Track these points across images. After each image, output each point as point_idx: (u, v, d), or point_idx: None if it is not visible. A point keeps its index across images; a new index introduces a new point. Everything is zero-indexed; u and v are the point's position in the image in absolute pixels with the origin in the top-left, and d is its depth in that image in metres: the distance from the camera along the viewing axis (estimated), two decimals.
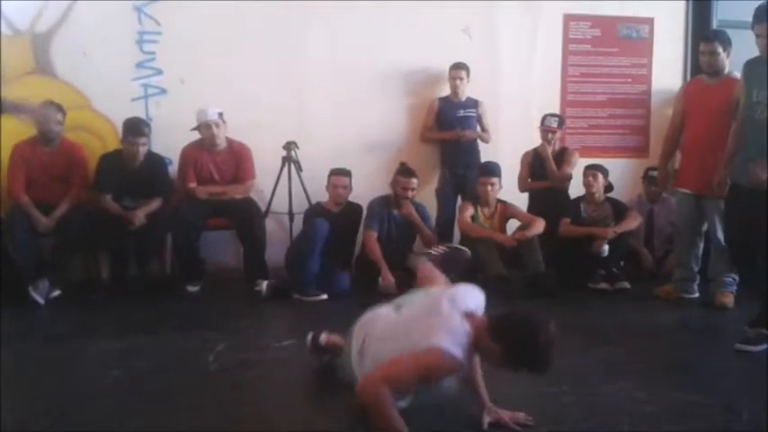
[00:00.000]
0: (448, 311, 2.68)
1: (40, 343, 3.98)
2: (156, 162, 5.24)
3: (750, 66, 4.08)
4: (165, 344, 3.95)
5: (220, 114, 5.22)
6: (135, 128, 5.08)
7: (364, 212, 5.40)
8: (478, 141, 5.94)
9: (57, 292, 4.83)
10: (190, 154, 5.30)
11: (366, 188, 5.53)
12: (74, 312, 4.61)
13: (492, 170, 5.43)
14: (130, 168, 5.10)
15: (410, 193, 5.35)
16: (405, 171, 5.41)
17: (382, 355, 2.67)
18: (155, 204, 5.12)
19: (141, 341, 3.97)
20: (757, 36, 3.93)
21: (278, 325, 4.05)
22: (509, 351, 2.51)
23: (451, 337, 2.56)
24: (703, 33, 5.27)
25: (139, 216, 4.98)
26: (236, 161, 5.35)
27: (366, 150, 5.93)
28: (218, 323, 4.35)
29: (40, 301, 4.69)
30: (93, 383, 3.34)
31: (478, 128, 5.96)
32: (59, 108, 5.05)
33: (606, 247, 5.26)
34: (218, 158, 5.31)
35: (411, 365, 2.54)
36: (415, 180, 5.37)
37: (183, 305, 4.84)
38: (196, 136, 5.28)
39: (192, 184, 5.25)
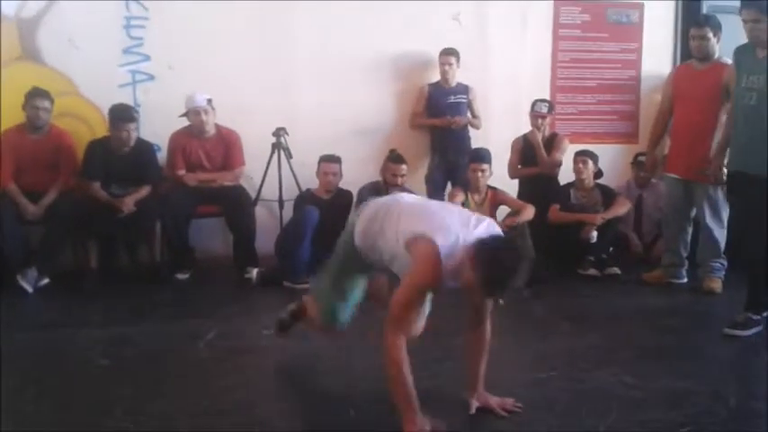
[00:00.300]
0: (461, 223, 2.70)
1: (28, 331, 3.97)
2: (145, 149, 5.21)
3: (739, 52, 4.09)
4: (154, 332, 3.95)
5: (209, 101, 5.19)
6: (123, 114, 5.04)
7: (354, 199, 5.39)
8: (469, 127, 5.93)
9: (45, 281, 4.81)
10: (178, 140, 5.27)
11: (356, 174, 5.51)
12: (62, 301, 4.59)
13: (483, 157, 5.42)
14: (119, 155, 5.06)
15: (400, 180, 5.34)
16: (395, 158, 5.40)
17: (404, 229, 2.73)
18: (144, 191, 5.09)
19: (130, 329, 3.96)
20: (744, 22, 3.94)
21: (268, 313, 4.04)
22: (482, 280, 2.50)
23: (447, 241, 2.60)
24: (694, 18, 5.28)
25: (128, 203, 4.95)
26: (226, 148, 5.32)
27: (356, 137, 5.91)
28: (208, 311, 4.34)
29: (29, 289, 4.67)
30: (83, 372, 3.34)
31: (469, 114, 5.95)
32: (47, 95, 4.99)
33: (595, 234, 5.27)
34: (207, 145, 5.28)
35: (408, 287, 2.63)
36: (404, 166, 5.36)
37: (173, 293, 4.82)
38: (185, 122, 5.25)
39: (181, 171, 5.23)
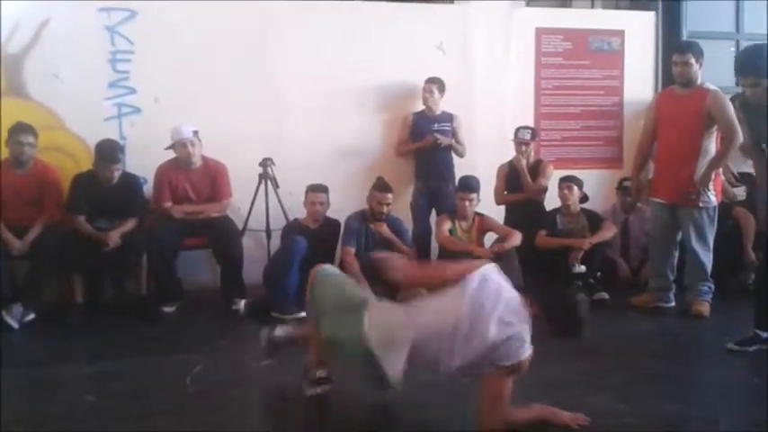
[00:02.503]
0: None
1: (14, 368, 3.90)
2: (130, 182, 5.18)
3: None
4: (141, 367, 3.90)
5: (195, 132, 5.19)
6: (109, 154, 4.99)
7: (342, 228, 5.39)
8: (453, 154, 5.96)
9: (31, 316, 4.76)
10: (165, 173, 5.26)
11: (343, 203, 5.52)
12: (48, 336, 4.55)
13: (471, 186, 5.44)
14: (104, 189, 5.04)
15: (385, 208, 5.34)
16: (380, 186, 5.40)
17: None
18: (129, 225, 5.06)
19: (117, 365, 3.92)
20: (743, 87, 4.02)
21: (256, 344, 4.01)
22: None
23: None
24: (676, 44, 5.35)
25: (113, 237, 4.91)
26: (212, 179, 5.31)
27: (342, 165, 5.93)
28: (196, 344, 4.29)
29: (14, 325, 4.62)
30: (70, 409, 3.29)
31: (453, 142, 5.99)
32: (31, 130, 4.97)
33: (583, 268, 5.30)
34: (194, 177, 5.27)
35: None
36: (390, 195, 5.37)
37: (160, 327, 4.77)
38: (171, 154, 5.24)
39: (168, 204, 5.22)
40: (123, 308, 5.07)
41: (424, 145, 5.85)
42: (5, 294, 4.73)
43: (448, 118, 5.95)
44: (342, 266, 5.28)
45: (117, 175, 5.03)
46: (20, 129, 4.94)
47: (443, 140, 5.81)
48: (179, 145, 5.17)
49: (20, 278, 4.90)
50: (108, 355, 4.11)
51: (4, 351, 4.19)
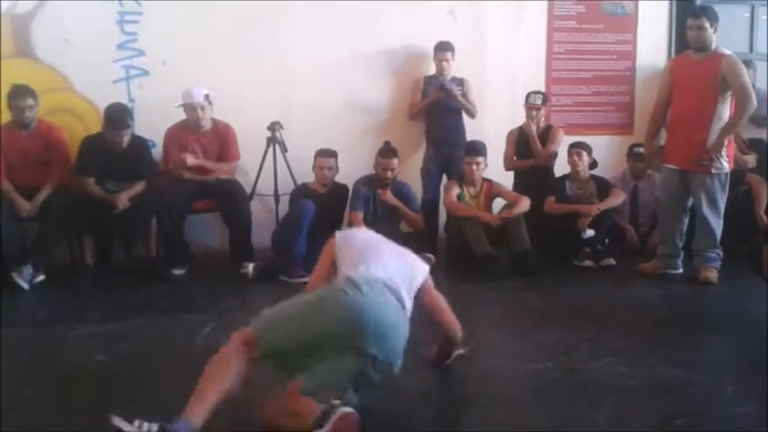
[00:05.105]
0: None
1: (24, 328, 3.96)
2: (140, 145, 5.18)
3: None
4: (150, 327, 3.95)
5: (206, 96, 5.16)
6: (118, 120, 4.96)
7: (350, 192, 5.39)
8: (464, 120, 5.92)
9: (41, 277, 4.79)
10: (174, 134, 5.26)
11: (352, 168, 5.50)
12: (58, 297, 4.58)
13: (477, 149, 5.42)
14: (114, 152, 5.03)
15: (390, 174, 5.33)
16: (385, 151, 5.38)
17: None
18: (139, 187, 5.08)
19: (127, 325, 3.96)
20: None
21: (264, 307, 4.01)
22: None
23: None
24: (691, 8, 5.27)
25: (123, 200, 4.93)
26: (221, 141, 5.31)
27: (351, 130, 5.90)
28: (205, 306, 4.34)
29: (25, 286, 4.64)
30: (79, 368, 3.33)
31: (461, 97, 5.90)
32: (29, 92, 4.93)
33: (591, 232, 5.29)
34: (203, 139, 5.26)
35: None
36: (395, 160, 5.35)
37: (169, 289, 4.81)
38: (180, 117, 5.24)
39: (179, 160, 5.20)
40: (133, 270, 5.12)
41: (435, 98, 5.76)
42: (15, 255, 4.76)
43: (458, 83, 5.87)
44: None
45: (126, 140, 5.03)
46: (17, 93, 4.90)
47: (452, 91, 5.72)
48: (189, 108, 5.16)
49: (30, 239, 4.93)
50: (117, 315, 4.15)
51: (14, 311, 4.25)
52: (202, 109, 5.16)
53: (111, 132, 4.99)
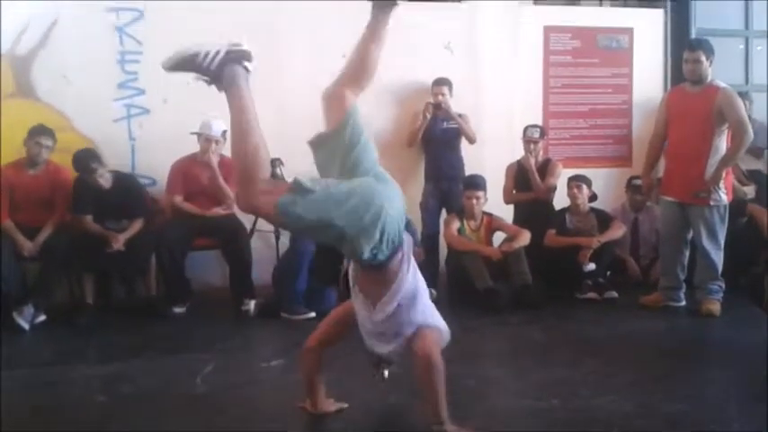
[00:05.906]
0: None
1: (25, 369, 3.93)
2: (127, 183, 5.19)
3: None
4: (151, 368, 3.92)
5: (224, 132, 5.09)
6: (83, 166, 4.95)
7: None
8: (462, 154, 5.94)
9: (42, 317, 4.78)
10: (180, 166, 5.29)
11: None
12: (59, 337, 4.57)
13: (477, 184, 5.44)
14: (102, 191, 5.03)
15: None
16: None
17: None
18: (137, 226, 5.08)
19: (127, 365, 3.94)
20: None
21: (266, 345, 4.02)
22: None
23: None
24: (687, 41, 5.33)
25: (119, 240, 4.92)
26: (227, 176, 5.31)
27: None
28: (205, 345, 4.31)
29: (25, 326, 4.63)
30: (80, 410, 3.31)
31: (462, 139, 5.93)
32: (51, 133, 5.01)
33: (592, 265, 5.29)
34: (210, 172, 5.26)
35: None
36: None
37: (170, 327, 4.79)
38: (181, 154, 5.26)
39: (179, 198, 5.23)
40: (133, 308, 5.10)
41: (433, 116, 5.75)
42: (16, 295, 4.75)
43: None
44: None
45: (104, 181, 5.01)
46: (41, 131, 4.98)
47: (444, 102, 5.73)
48: (204, 139, 5.19)
49: (31, 279, 4.92)
50: (118, 355, 4.13)
51: (15, 352, 4.22)
52: (216, 143, 5.19)
53: (85, 176, 5.00)
